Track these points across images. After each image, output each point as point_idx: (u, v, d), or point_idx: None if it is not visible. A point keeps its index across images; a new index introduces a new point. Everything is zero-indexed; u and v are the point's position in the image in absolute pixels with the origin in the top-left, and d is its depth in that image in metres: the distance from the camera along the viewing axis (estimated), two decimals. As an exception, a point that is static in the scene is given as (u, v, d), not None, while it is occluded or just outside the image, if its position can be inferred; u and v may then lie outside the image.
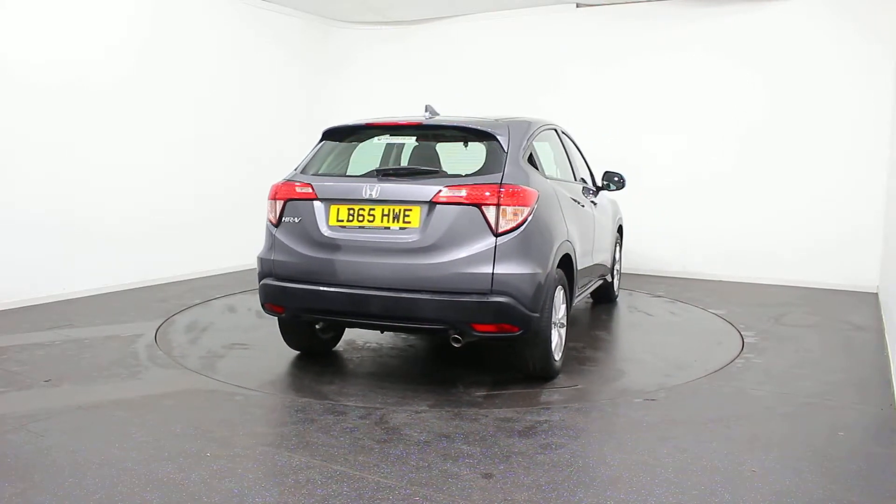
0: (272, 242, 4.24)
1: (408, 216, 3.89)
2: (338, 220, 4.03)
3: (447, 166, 4.47)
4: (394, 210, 3.91)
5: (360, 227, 3.98)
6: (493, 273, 3.75)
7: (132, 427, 3.42)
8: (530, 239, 3.87)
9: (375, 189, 3.94)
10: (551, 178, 4.50)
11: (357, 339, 5.26)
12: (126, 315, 5.85)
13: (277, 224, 4.21)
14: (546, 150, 5.00)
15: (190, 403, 3.84)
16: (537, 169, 4.28)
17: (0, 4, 5.82)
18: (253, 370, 4.48)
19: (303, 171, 4.34)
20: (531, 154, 4.27)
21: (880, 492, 2.82)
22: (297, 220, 4.12)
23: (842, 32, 7.27)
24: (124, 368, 4.39)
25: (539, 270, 3.88)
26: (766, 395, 4.03)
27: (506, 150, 4.04)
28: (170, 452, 3.12)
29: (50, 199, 6.24)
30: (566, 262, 4.40)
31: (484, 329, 3.82)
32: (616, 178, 5.82)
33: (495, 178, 3.87)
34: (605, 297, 6.61)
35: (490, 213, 3.77)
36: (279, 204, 4.21)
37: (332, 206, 4.05)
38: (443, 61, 9.26)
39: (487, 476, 2.92)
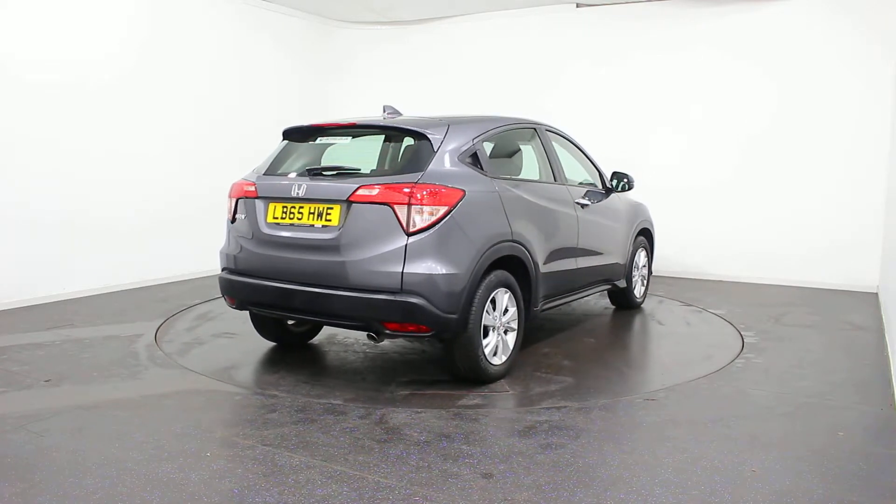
0: (227, 238, 4.52)
1: (329, 214, 3.98)
2: (274, 218, 4.20)
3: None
4: (318, 208, 4.03)
5: (290, 225, 4.12)
6: (402, 272, 3.75)
7: (132, 427, 3.42)
8: (447, 239, 3.82)
9: (302, 188, 4.08)
10: (506, 179, 4.43)
11: (339, 333, 5.34)
12: (126, 315, 5.85)
13: (233, 221, 4.46)
14: (515, 150, 5.06)
15: (190, 403, 3.84)
16: (481, 168, 4.23)
17: (0, 4, 5.82)
18: (217, 360, 4.66)
19: (260, 171, 4.54)
20: (475, 153, 4.23)
21: (880, 492, 2.82)
22: (244, 216, 4.37)
23: (842, 33, 7.27)
24: (124, 368, 4.40)
25: (457, 271, 3.82)
26: (766, 395, 4.03)
27: (435, 149, 4.04)
28: (170, 452, 3.12)
29: (50, 199, 6.24)
30: (517, 264, 4.33)
31: (395, 328, 3.86)
32: (625, 180, 5.76)
33: (413, 177, 3.87)
34: (624, 302, 6.33)
35: (402, 212, 3.77)
36: (233, 202, 4.46)
37: (271, 204, 4.23)
38: (443, 61, 9.27)
39: (487, 476, 2.92)
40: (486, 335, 4.10)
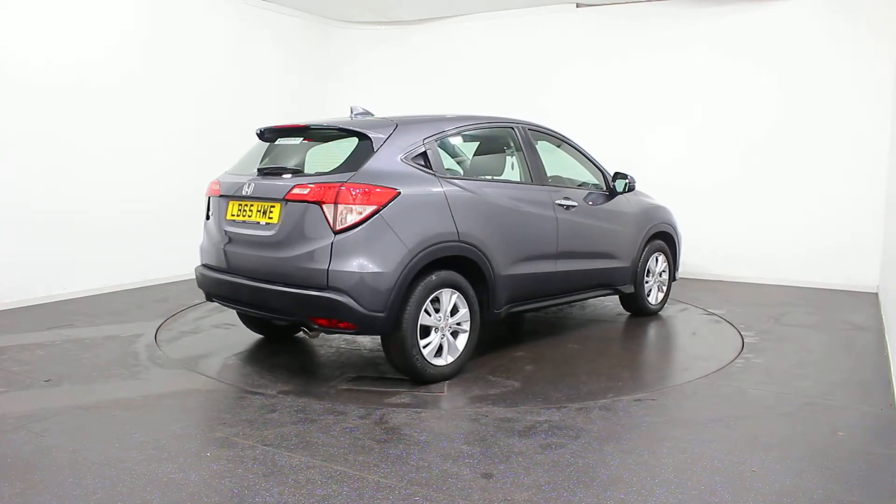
0: (203, 233, 4.78)
1: (271, 212, 4.13)
2: (232, 215, 4.41)
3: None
4: (263, 206, 4.19)
5: (243, 222, 4.32)
6: (328, 269, 3.83)
7: (132, 427, 3.42)
8: (374, 237, 3.85)
9: (251, 187, 4.27)
10: (462, 179, 4.41)
11: None
12: (126, 315, 5.86)
13: (207, 218, 4.71)
14: (484, 149, 5.13)
15: (190, 403, 3.85)
16: (430, 168, 4.23)
17: (1, 4, 5.83)
18: (196, 350, 4.94)
19: (229, 170, 4.76)
20: (425, 153, 4.25)
21: (880, 492, 2.82)
22: (212, 214, 4.62)
23: (842, 33, 7.26)
24: (124, 368, 4.40)
25: (383, 270, 3.85)
26: (766, 395, 4.03)
27: (375, 149, 4.09)
28: (170, 452, 3.12)
29: (50, 199, 6.25)
30: (471, 266, 4.30)
31: (323, 324, 3.97)
32: (626, 180, 5.56)
33: (344, 176, 3.94)
34: (635, 308, 6.03)
35: (329, 210, 3.86)
36: (207, 200, 4.72)
37: (230, 203, 4.44)
38: (443, 61, 9.27)
39: (487, 476, 2.92)
40: (427, 335, 4.11)
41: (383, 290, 3.85)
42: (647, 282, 5.99)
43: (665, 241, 6.20)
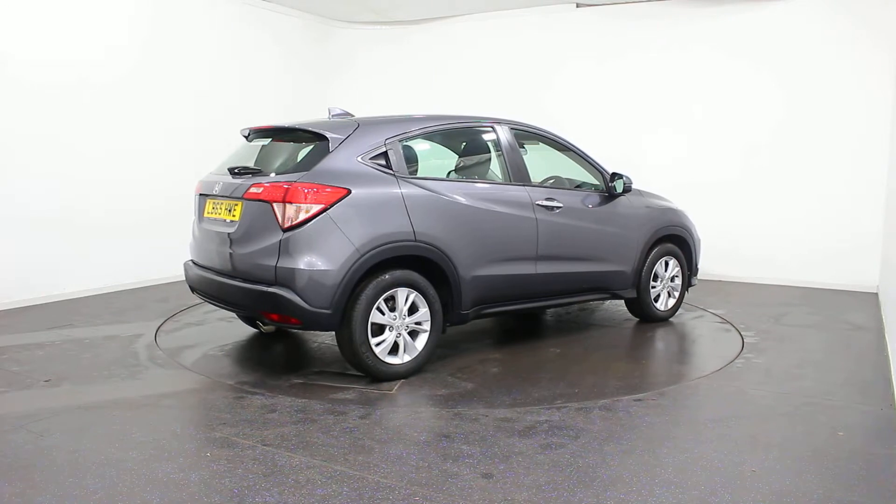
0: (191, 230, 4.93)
1: (234, 210, 4.28)
2: (207, 213, 4.59)
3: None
4: (229, 205, 4.34)
5: (214, 219, 4.48)
6: (276, 266, 3.94)
7: (132, 427, 3.42)
8: (321, 235, 3.92)
9: (220, 185, 4.43)
10: (423, 179, 4.37)
11: None
12: (126, 315, 5.86)
13: (195, 215, 4.83)
14: (457, 149, 5.19)
15: (190, 403, 3.85)
16: (389, 169, 4.24)
17: (1, 4, 5.82)
18: (187, 341, 5.14)
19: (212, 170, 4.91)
20: (386, 153, 4.27)
21: (880, 492, 2.82)
22: (195, 211, 4.79)
23: (842, 34, 7.26)
24: (124, 368, 4.40)
25: (329, 267, 3.90)
26: (766, 395, 4.03)
27: (331, 149, 4.15)
28: (170, 452, 3.12)
29: (50, 199, 6.25)
30: (430, 265, 4.29)
31: (275, 318, 4.09)
32: (622, 181, 5.39)
33: (295, 175, 4.06)
34: (641, 314, 5.79)
35: (279, 209, 3.97)
36: (194, 198, 4.86)
37: (207, 201, 4.60)
38: (443, 61, 9.27)
39: (487, 476, 2.92)
40: (382, 333, 4.14)
41: (329, 287, 3.90)
42: (653, 287, 5.74)
43: (677, 244, 5.91)
